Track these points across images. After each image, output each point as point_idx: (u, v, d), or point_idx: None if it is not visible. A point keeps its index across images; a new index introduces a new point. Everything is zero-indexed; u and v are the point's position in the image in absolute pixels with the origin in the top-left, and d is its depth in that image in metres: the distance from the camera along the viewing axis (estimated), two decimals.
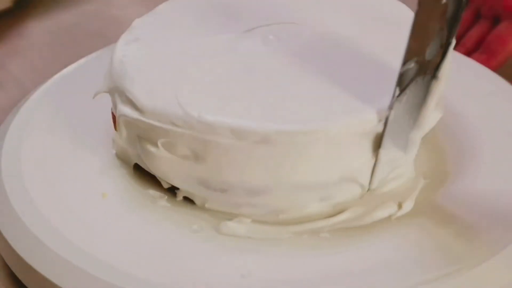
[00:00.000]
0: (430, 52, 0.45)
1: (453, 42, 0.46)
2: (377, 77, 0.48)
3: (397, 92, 0.46)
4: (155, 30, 0.54)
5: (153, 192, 0.51)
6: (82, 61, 0.61)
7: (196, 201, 0.50)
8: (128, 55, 0.51)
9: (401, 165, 0.50)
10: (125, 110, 0.49)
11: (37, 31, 0.71)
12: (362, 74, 0.49)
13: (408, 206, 0.49)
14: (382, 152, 0.48)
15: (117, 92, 0.50)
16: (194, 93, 0.48)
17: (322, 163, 0.47)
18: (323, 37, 0.52)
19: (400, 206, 0.49)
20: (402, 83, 0.46)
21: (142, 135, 0.49)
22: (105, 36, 0.69)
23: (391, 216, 0.49)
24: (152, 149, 0.48)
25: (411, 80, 0.46)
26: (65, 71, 0.60)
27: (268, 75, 0.50)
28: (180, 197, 0.50)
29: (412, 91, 0.46)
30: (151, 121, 0.47)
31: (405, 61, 0.45)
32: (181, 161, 0.48)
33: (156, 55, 0.51)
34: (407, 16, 0.46)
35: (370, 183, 0.49)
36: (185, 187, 0.50)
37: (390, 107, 0.46)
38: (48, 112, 0.57)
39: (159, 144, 0.48)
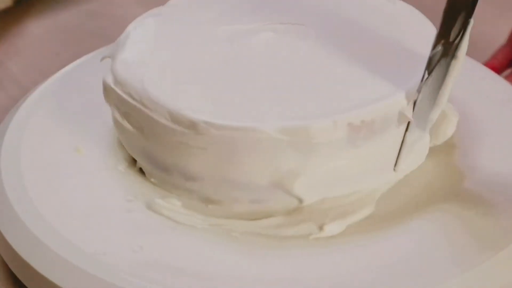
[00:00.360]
0: (453, 35, 0.47)
1: (471, 22, 0.47)
2: (396, 65, 0.50)
3: (426, 75, 0.47)
4: (180, 11, 0.55)
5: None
6: (81, 60, 0.61)
7: (146, 174, 0.52)
8: (138, 28, 0.53)
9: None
10: (106, 76, 0.51)
11: (37, 30, 0.71)
12: (377, 65, 0.50)
13: (332, 229, 0.48)
14: (408, 134, 0.49)
15: (112, 58, 0.52)
16: (164, 73, 0.50)
17: (251, 163, 0.47)
18: (332, 37, 0.52)
19: (321, 228, 0.48)
20: (430, 66, 0.47)
21: (115, 104, 0.51)
22: (105, 35, 0.69)
23: (309, 236, 0.48)
24: (118, 118, 0.51)
25: (437, 63, 0.47)
26: (64, 70, 0.60)
27: (262, 67, 0.50)
28: (137, 167, 0.52)
29: (436, 73, 0.48)
30: (118, 91, 0.49)
31: (435, 45, 0.47)
32: (135, 133, 0.50)
33: (160, 34, 0.53)
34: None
35: (395, 165, 0.50)
36: (137, 158, 0.52)
37: (419, 90, 0.48)
38: (48, 111, 0.56)
39: (121, 114, 0.50)
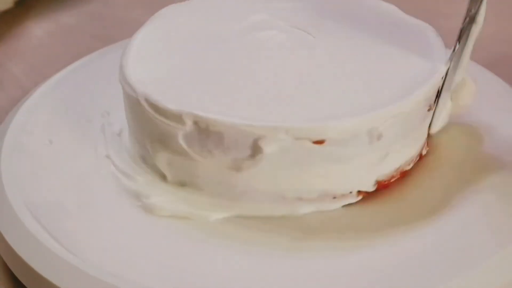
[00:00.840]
0: (475, 4, 0.50)
1: None
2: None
3: (457, 46, 0.51)
4: (187, 12, 0.55)
5: None
6: (82, 60, 0.61)
7: (168, 175, 0.51)
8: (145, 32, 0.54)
9: None
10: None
11: (38, 31, 0.71)
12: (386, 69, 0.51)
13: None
14: (440, 100, 0.51)
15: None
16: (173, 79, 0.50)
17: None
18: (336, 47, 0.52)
19: None
20: (460, 38, 0.50)
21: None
22: (105, 36, 0.68)
23: None
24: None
25: (464, 32, 0.51)
26: (65, 70, 0.60)
27: (269, 69, 0.50)
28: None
29: (462, 41, 0.51)
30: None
31: (465, 18, 0.50)
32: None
33: (168, 37, 0.54)
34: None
35: (430, 127, 0.53)
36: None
37: (450, 59, 0.51)
38: (48, 112, 0.56)
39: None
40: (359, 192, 0.50)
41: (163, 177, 0.51)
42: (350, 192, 0.50)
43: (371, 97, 0.48)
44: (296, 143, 0.47)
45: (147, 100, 0.49)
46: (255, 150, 0.47)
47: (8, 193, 0.51)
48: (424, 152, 0.53)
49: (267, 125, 0.47)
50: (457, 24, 0.50)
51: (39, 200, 0.50)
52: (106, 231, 0.48)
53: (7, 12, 0.72)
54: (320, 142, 0.47)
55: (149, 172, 0.51)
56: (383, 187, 0.51)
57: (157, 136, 0.50)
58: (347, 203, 0.50)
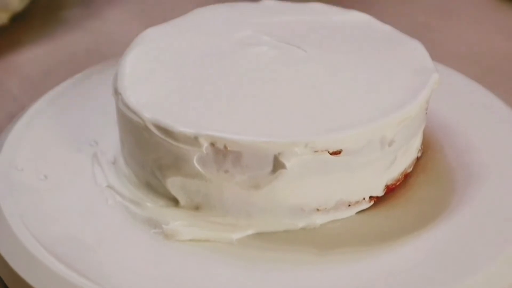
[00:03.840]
0: None
1: None
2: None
3: None
4: (181, 28, 0.55)
5: None
6: (77, 76, 0.60)
7: (180, 200, 0.50)
8: (137, 48, 0.53)
9: None
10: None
11: (33, 47, 0.69)
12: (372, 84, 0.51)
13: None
14: None
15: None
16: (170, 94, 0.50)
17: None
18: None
19: None
20: None
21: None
22: (100, 52, 0.67)
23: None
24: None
25: None
26: (60, 86, 0.59)
27: (262, 84, 0.51)
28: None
29: None
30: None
31: None
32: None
33: (161, 52, 0.53)
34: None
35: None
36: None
37: None
38: (44, 128, 0.55)
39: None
40: (370, 197, 0.51)
41: (175, 202, 0.50)
42: (363, 199, 0.51)
43: (378, 105, 0.50)
44: (315, 155, 0.48)
45: (156, 125, 0.48)
46: (276, 165, 0.47)
47: (3, 209, 0.50)
48: (419, 154, 0.54)
49: (287, 141, 0.47)
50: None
51: (54, 238, 0.49)
52: (129, 261, 0.48)
53: (1, 29, 0.70)
54: (337, 152, 0.48)
55: (158, 198, 0.51)
56: (390, 190, 0.52)
57: (168, 160, 0.49)
58: (360, 209, 0.51)
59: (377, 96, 0.50)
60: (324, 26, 0.56)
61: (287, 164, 0.47)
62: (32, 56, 0.68)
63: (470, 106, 0.58)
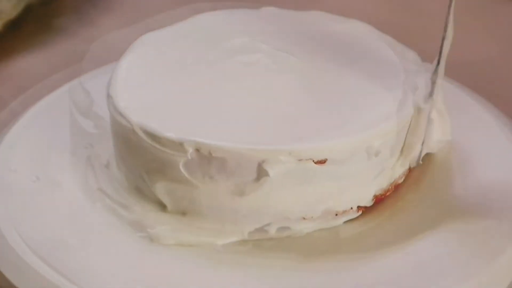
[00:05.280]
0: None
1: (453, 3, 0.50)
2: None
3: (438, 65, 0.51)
4: (172, 37, 0.56)
5: None
6: (70, 83, 0.60)
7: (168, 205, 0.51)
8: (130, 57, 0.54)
9: None
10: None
11: (27, 55, 0.70)
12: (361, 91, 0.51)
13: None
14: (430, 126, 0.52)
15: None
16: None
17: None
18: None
19: None
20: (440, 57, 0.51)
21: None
22: (94, 59, 0.68)
23: None
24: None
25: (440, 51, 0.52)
26: (53, 94, 0.59)
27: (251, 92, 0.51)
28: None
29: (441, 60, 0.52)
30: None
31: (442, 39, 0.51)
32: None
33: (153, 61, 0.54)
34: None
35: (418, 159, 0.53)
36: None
37: (432, 80, 0.51)
38: (41, 130, 0.56)
39: None
40: (359, 207, 0.51)
41: (162, 207, 0.50)
42: (351, 208, 0.50)
43: (365, 115, 0.49)
44: (299, 164, 0.48)
45: (143, 129, 0.49)
46: (260, 173, 0.48)
47: (5, 234, 0.50)
48: (412, 165, 0.54)
49: (271, 148, 0.47)
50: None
51: (39, 238, 0.49)
52: (113, 263, 0.48)
53: None
54: (322, 162, 0.48)
55: (146, 202, 0.51)
56: (379, 200, 0.52)
57: (155, 165, 0.49)
58: (348, 219, 0.51)
59: (365, 106, 0.50)
60: (321, 35, 0.56)
61: (271, 172, 0.47)
62: (26, 64, 0.69)
63: (464, 116, 0.57)
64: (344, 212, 0.50)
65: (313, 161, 0.48)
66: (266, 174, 0.47)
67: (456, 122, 0.55)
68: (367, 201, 0.51)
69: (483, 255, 0.48)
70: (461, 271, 0.48)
